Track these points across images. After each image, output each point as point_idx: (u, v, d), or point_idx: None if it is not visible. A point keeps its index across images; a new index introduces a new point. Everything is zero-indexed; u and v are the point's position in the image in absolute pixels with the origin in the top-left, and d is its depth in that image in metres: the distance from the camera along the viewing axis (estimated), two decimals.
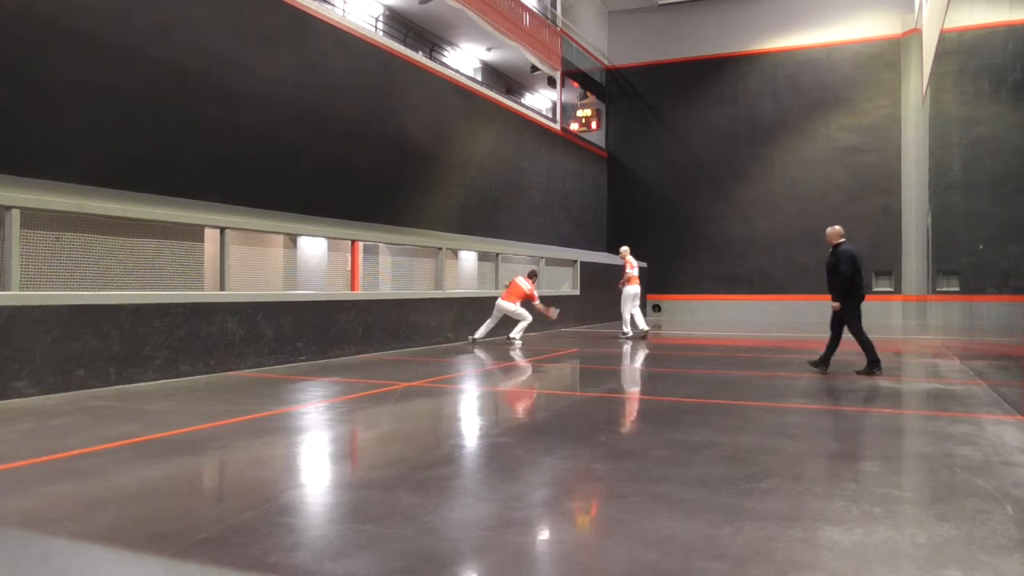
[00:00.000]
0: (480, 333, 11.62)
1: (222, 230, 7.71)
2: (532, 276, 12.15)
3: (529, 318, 11.70)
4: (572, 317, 16.21)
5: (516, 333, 11.62)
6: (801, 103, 20.26)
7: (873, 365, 7.60)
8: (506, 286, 12.12)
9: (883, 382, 7.35)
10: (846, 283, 7.54)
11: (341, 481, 3.69)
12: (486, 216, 15.34)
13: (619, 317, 13.52)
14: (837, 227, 7.92)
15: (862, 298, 7.76)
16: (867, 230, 19.48)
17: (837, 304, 7.69)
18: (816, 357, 7.97)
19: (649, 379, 7.73)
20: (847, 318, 7.69)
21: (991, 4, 7.31)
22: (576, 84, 21.27)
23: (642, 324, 13.07)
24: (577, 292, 16.62)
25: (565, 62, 19.84)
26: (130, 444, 4.21)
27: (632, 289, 13.07)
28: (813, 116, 20.13)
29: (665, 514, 2.94)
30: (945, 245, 12.04)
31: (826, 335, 7.99)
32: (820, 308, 19.57)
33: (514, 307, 11.61)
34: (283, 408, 5.58)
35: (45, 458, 3.84)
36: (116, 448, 4.11)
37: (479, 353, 10.24)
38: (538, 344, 11.80)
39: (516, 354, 10.19)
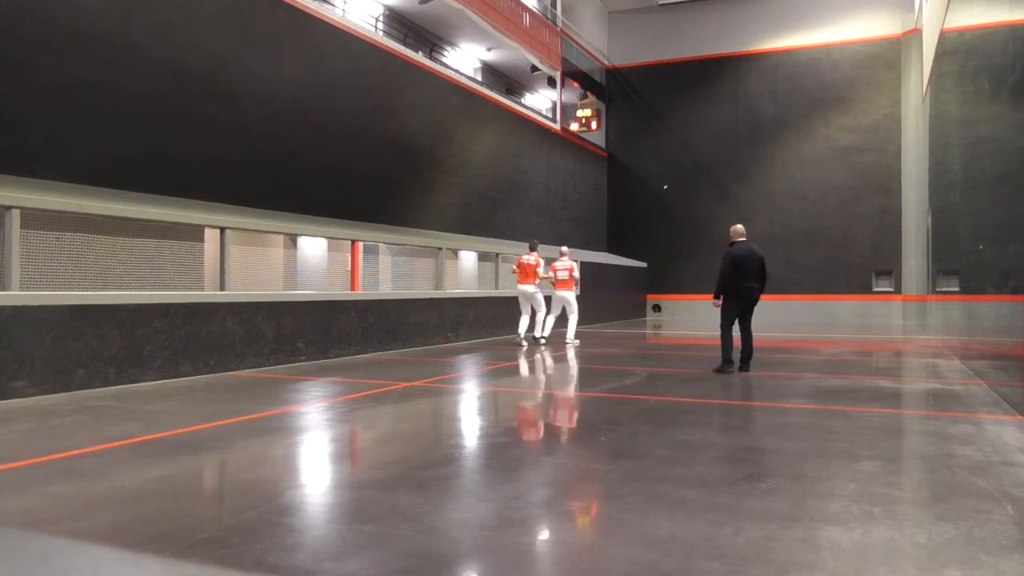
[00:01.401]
0: (522, 330, 11.33)
1: (222, 230, 7.71)
2: (533, 249, 11.46)
3: (545, 308, 11.37)
4: None
5: (547, 330, 11.29)
6: (801, 103, 20.26)
7: (726, 364, 7.75)
8: (514, 271, 11.44)
9: (883, 382, 7.35)
10: (721, 282, 7.70)
11: (341, 481, 3.69)
12: (486, 216, 15.34)
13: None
14: (737, 226, 8.03)
15: (747, 300, 7.76)
16: (867, 230, 19.51)
17: (717, 302, 7.85)
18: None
19: (649, 379, 7.73)
20: (722, 315, 7.81)
21: (991, 4, 7.31)
22: (576, 84, 21.27)
23: (546, 331, 11.62)
24: (577, 292, 16.59)
25: (565, 62, 19.84)
26: (130, 444, 4.21)
27: (559, 293, 11.57)
28: (813, 116, 20.13)
29: (665, 514, 2.94)
30: (945, 245, 12.03)
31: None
32: (820, 308, 19.70)
33: (534, 290, 11.15)
34: (283, 408, 5.58)
35: (45, 458, 3.84)
36: (116, 448, 4.10)
37: (483, 352, 10.24)
38: (545, 340, 11.78)
39: (523, 353, 10.17)
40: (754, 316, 7.99)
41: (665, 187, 21.46)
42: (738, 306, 7.77)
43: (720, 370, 7.77)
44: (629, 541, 2.65)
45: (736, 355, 7.84)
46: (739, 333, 7.87)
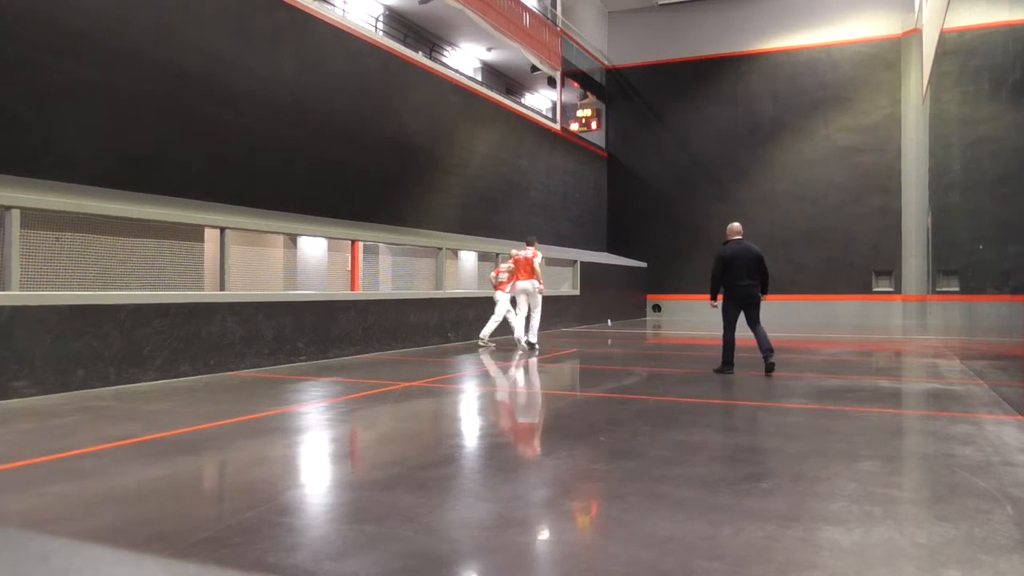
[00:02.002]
0: (519, 334, 10.71)
1: (222, 230, 7.71)
2: (530, 244, 10.75)
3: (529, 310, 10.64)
4: (572, 317, 16.21)
5: (488, 332, 10.57)
6: (801, 103, 20.26)
7: (726, 365, 7.75)
8: (509, 271, 10.79)
9: (883, 382, 7.35)
10: (712, 282, 7.71)
11: (341, 481, 3.69)
12: (486, 216, 15.35)
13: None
14: (732, 224, 7.95)
15: (744, 298, 7.64)
16: (867, 230, 19.51)
17: (715, 303, 7.85)
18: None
19: (649, 379, 7.72)
20: (722, 316, 7.79)
21: (991, 4, 7.31)
22: (576, 84, 21.27)
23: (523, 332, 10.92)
24: (577, 292, 16.62)
25: (565, 62, 19.84)
26: (130, 444, 4.21)
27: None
28: (813, 116, 20.13)
29: (665, 514, 2.94)
30: (945, 245, 12.03)
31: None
32: (820, 308, 19.70)
33: (534, 287, 10.43)
34: (283, 408, 5.58)
35: (45, 458, 3.84)
36: (116, 448, 4.10)
37: (482, 353, 10.23)
38: (539, 344, 11.76)
39: (519, 355, 10.15)
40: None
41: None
42: (736, 305, 7.72)
43: (720, 370, 7.77)
44: (629, 541, 2.65)
45: (739, 356, 7.80)
46: (752, 335, 7.74)
